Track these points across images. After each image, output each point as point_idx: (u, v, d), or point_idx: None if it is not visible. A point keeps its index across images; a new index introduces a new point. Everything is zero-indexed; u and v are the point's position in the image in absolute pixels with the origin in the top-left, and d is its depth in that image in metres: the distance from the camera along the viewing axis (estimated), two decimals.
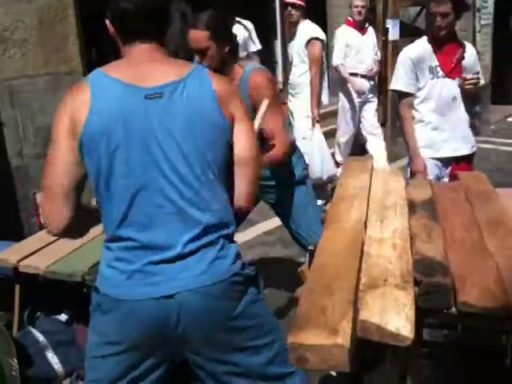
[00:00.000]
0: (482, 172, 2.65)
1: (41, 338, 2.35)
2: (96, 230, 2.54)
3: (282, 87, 5.69)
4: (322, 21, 6.25)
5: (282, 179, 2.76)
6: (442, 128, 3.05)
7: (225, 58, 2.44)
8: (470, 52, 3.13)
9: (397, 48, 6.08)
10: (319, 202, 4.88)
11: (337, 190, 2.25)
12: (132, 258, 1.47)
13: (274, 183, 2.75)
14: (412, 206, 2.04)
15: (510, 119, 8.73)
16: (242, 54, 4.52)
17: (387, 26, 5.97)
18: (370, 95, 5.64)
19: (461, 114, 3.06)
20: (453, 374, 2.43)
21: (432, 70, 3.00)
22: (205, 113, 1.48)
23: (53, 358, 2.33)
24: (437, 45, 3.03)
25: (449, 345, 2.54)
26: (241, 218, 2.35)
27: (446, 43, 3.03)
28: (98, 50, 4.51)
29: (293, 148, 2.67)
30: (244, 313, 1.55)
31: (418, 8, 7.64)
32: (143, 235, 1.46)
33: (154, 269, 1.45)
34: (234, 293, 1.52)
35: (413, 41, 5.23)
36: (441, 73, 3.00)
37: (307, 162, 4.86)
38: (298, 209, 2.79)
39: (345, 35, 5.41)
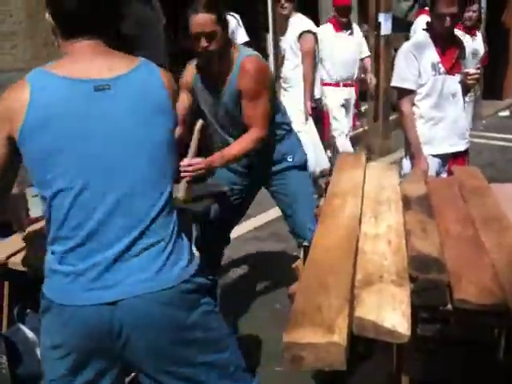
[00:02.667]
0: (473, 167, 2.65)
1: (30, 335, 2.32)
2: None
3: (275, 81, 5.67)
4: (313, 14, 6.21)
5: (267, 169, 2.72)
6: (441, 124, 3.04)
7: (228, 41, 2.44)
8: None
9: (389, 42, 6.07)
10: None
11: (330, 185, 2.24)
12: (74, 261, 1.40)
13: (274, 170, 2.73)
14: (407, 202, 2.02)
15: (501, 114, 8.76)
16: None
17: (379, 20, 5.94)
18: None
19: (459, 109, 3.08)
20: (445, 368, 2.43)
21: (434, 67, 2.98)
22: (155, 101, 1.46)
23: None
24: (439, 42, 3.01)
25: (441, 339, 2.53)
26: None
27: (447, 40, 3.03)
28: None
29: (263, 144, 2.58)
30: (195, 324, 1.45)
31: (411, 2, 7.65)
32: (85, 235, 1.39)
33: (97, 272, 1.38)
34: (184, 302, 1.43)
35: (406, 36, 5.20)
36: (442, 69, 2.99)
37: None
38: (298, 196, 2.75)
39: None
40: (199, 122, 2.45)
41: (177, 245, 1.46)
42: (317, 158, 4.84)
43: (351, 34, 5.20)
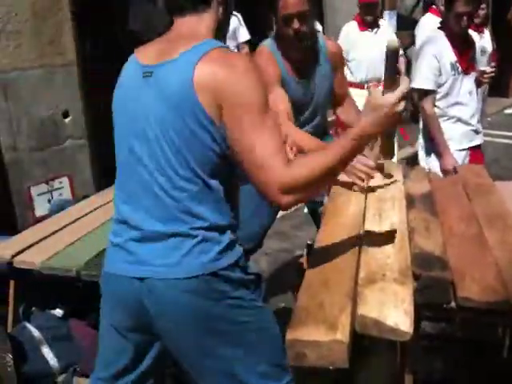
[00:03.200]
0: (478, 165, 2.65)
1: (36, 333, 2.33)
2: (90, 226, 2.52)
3: None
4: (317, 12, 6.20)
5: None
6: (460, 122, 3.11)
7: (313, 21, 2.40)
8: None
9: None
10: None
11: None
12: (118, 231, 1.47)
13: None
14: (410, 200, 2.03)
15: (506, 111, 8.72)
16: (232, 44, 4.48)
17: (384, 17, 5.93)
18: None
19: (475, 106, 3.15)
20: (450, 367, 2.43)
21: (453, 67, 3.03)
22: (175, 98, 1.35)
23: (48, 354, 2.32)
24: (455, 42, 3.04)
25: (446, 337, 2.54)
26: None
27: (463, 40, 3.07)
28: (93, 42, 4.47)
29: None
30: (220, 316, 1.40)
31: (416, 0, 7.62)
32: (126, 211, 1.45)
33: (132, 247, 1.42)
34: (210, 292, 1.39)
35: (411, 34, 5.17)
36: (460, 69, 3.04)
37: None
38: None
39: None
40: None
41: (209, 235, 1.41)
42: None
43: (377, 32, 4.90)
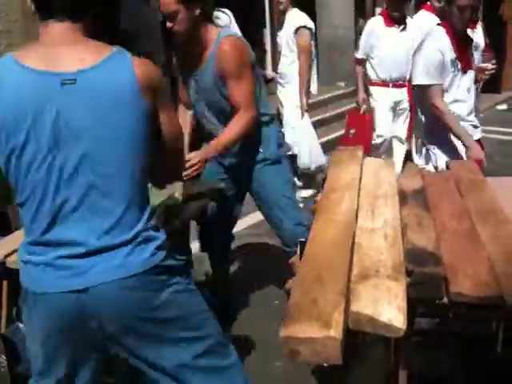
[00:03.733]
0: (470, 161, 2.66)
1: None
2: None
3: (271, 78, 5.65)
4: (309, 9, 6.20)
5: (250, 161, 2.66)
6: (459, 118, 3.08)
7: (196, 22, 2.39)
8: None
9: None
10: (308, 193, 4.88)
11: (327, 180, 2.24)
12: (38, 251, 1.44)
13: (245, 169, 2.68)
14: (403, 196, 2.03)
15: (498, 107, 8.76)
16: None
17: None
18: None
19: (472, 102, 3.13)
20: (444, 362, 2.44)
21: (453, 63, 2.98)
22: (122, 99, 1.40)
23: None
24: (455, 38, 2.99)
25: (439, 333, 2.54)
26: None
27: (462, 36, 3.02)
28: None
29: (256, 124, 2.53)
30: (166, 304, 1.49)
31: None
32: (51, 232, 1.42)
33: (66, 262, 1.42)
34: (153, 284, 1.47)
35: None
36: (459, 66, 3.00)
37: (296, 152, 4.89)
38: (275, 193, 2.69)
39: None
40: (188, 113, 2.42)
41: (147, 234, 1.48)
42: (312, 154, 4.84)
43: (404, 29, 4.63)
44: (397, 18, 4.59)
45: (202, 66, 2.47)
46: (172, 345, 1.53)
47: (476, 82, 3.19)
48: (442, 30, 3.03)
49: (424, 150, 3.25)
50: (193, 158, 2.36)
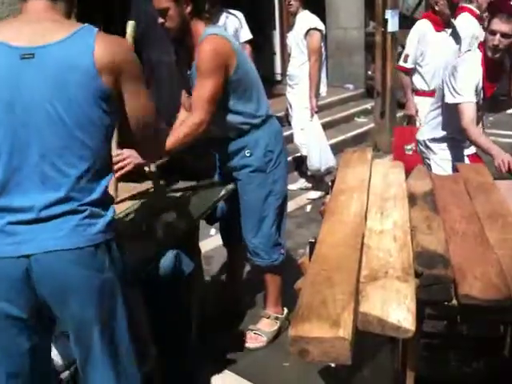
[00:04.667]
0: (479, 164, 2.65)
1: None
2: None
3: (281, 78, 5.64)
4: (320, 11, 6.20)
5: (237, 162, 2.59)
6: (464, 145, 3.01)
7: (186, 19, 2.39)
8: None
9: (396, 39, 6.06)
10: (317, 194, 4.89)
11: (336, 182, 2.25)
12: None
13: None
14: (412, 198, 2.03)
15: (508, 111, 8.71)
16: None
17: (386, 16, 5.93)
18: None
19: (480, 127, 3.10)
20: (451, 366, 2.44)
21: (477, 90, 2.80)
22: (76, 76, 1.42)
23: (52, 351, 2.33)
24: (486, 65, 2.79)
25: (448, 335, 2.54)
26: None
27: (495, 66, 2.81)
28: None
29: (203, 129, 2.41)
30: (103, 288, 1.52)
31: None
32: (2, 199, 1.46)
33: (13, 229, 1.45)
34: (96, 262, 1.49)
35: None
36: (482, 95, 2.85)
37: (304, 153, 4.89)
38: (245, 206, 2.63)
39: None
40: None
41: (96, 210, 1.50)
42: (322, 155, 4.84)
43: (453, 33, 4.31)
44: (446, 21, 4.26)
45: (192, 63, 2.47)
46: (100, 329, 1.54)
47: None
48: (477, 54, 2.84)
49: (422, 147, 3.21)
50: (124, 155, 2.28)
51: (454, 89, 2.82)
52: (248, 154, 2.56)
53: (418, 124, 4.27)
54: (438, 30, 4.27)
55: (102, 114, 1.48)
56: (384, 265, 1.56)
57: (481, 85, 2.82)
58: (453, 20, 4.34)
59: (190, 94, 2.55)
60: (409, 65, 4.38)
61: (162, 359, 2.19)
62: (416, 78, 4.38)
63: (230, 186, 2.59)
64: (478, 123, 2.96)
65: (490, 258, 1.61)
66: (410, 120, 4.47)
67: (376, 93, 6.35)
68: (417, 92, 4.38)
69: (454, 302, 1.48)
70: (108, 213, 1.54)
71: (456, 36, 4.29)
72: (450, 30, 4.30)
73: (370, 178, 2.24)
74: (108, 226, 1.52)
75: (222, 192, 2.53)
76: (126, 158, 2.27)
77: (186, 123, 2.43)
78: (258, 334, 2.77)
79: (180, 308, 2.30)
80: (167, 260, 2.14)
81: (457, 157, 3.04)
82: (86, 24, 1.49)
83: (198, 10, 2.41)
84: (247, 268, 3.24)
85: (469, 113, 2.78)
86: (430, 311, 1.62)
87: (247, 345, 2.74)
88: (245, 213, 2.65)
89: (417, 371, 1.73)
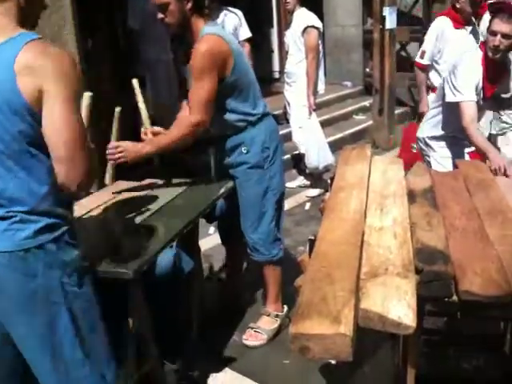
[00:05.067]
0: (478, 160, 2.65)
1: None
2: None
3: (279, 76, 5.63)
4: (317, 8, 6.19)
5: (234, 159, 2.59)
6: (467, 145, 2.95)
7: (186, 15, 2.38)
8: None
9: (393, 36, 6.06)
10: (316, 192, 4.89)
11: (335, 179, 2.25)
12: None
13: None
14: (412, 195, 2.03)
15: None
16: None
17: (384, 13, 5.92)
18: None
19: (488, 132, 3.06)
20: (451, 362, 2.44)
21: (478, 91, 2.80)
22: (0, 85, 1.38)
23: None
24: (487, 64, 2.79)
25: (447, 332, 2.55)
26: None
27: (495, 66, 2.79)
28: (95, 40, 4.48)
29: (200, 130, 2.41)
30: (35, 294, 1.49)
31: None
32: None
33: None
34: (25, 268, 1.47)
35: (410, 29, 4.92)
36: (482, 95, 2.84)
37: (302, 151, 4.89)
38: (244, 203, 2.63)
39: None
40: (116, 109, 2.36)
41: (26, 217, 1.48)
42: (320, 153, 4.84)
43: (473, 31, 4.19)
44: (467, 19, 4.11)
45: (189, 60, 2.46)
46: (31, 337, 1.52)
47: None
48: (478, 53, 2.84)
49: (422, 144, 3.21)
50: (120, 148, 2.30)
51: (455, 87, 2.82)
52: (245, 151, 2.57)
53: None
54: (457, 28, 4.17)
55: (21, 124, 1.43)
56: (384, 261, 1.56)
57: (481, 84, 2.81)
58: (473, 18, 4.21)
59: (187, 91, 2.54)
60: (425, 61, 4.32)
61: (162, 358, 2.20)
62: (433, 75, 4.32)
63: (230, 184, 2.59)
64: (478, 121, 2.94)
65: (490, 254, 1.61)
66: (421, 118, 4.26)
67: (374, 90, 6.35)
68: (433, 89, 4.27)
69: (455, 298, 1.48)
70: (45, 218, 1.50)
71: (475, 34, 4.18)
72: (470, 28, 4.19)
73: (369, 175, 2.24)
74: (41, 231, 1.49)
75: (222, 190, 2.52)
76: (123, 151, 2.30)
77: (183, 123, 2.43)
78: (259, 331, 2.77)
79: (180, 306, 2.30)
80: (167, 258, 2.14)
81: (457, 154, 3.02)
82: (22, 32, 1.44)
83: (198, 6, 2.40)
84: (247, 266, 3.24)
85: (469, 111, 2.77)
86: (430, 308, 1.63)
87: (247, 343, 2.74)
88: (244, 209, 2.65)
89: (417, 368, 1.73)
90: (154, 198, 2.40)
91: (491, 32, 2.72)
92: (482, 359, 2.39)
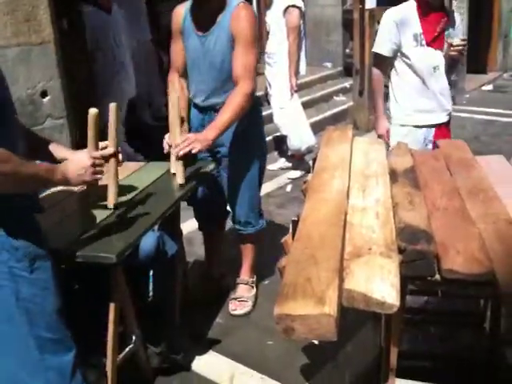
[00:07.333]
0: (459, 140, 2.66)
1: None
2: (70, 208, 2.50)
3: (259, 57, 5.57)
4: None
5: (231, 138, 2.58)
6: (424, 96, 3.01)
7: None
8: (456, 21, 3.05)
9: (373, 16, 6.03)
10: (297, 174, 4.89)
11: (318, 160, 2.24)
12: None
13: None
14: (394, 175, 2.04)
15: (484, 88, 8.79)
16: None
17: None
18: None
19: (442, 83, 3.03)
20: (433, 340, 2.48)
21: (416, 38, 2.94)
22: None
23: None
24: (423, 11, 2.95)
25: (429, 311, 2.58)
26: None
27: (432, 11, 2.96)
28: (70, 20, 4.39)
29: (253, 101, 2.48)
30: None
31: None
32: None
33: None
34: None
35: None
36: (424, 41, 2.94)
37: (284, 133, 4.88)
38: (240, 184, 2.66)
39: None
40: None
41: None
42: (301, 134, 4.83)
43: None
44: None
45: (213, 28, 2.44)
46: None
47: (452, 61, 2.99)
48: (411, 3, 3.00)
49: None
50: (188, 139, 2.28)
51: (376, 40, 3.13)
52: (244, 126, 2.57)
53: None
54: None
55: None
56: (367, 241, 1.56)
57: (419, 31, 2.95)
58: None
59: (165, 69, 2.54)
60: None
61: (146, 342, 2.19)
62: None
63: (211, 166, 2.57)
64: (432, 70, 3.00)
65: (472, 232, 1.62)
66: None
67: (354, 71, 6.34)
68: None
69: (437, 277, 1.49)
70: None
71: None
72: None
73: (351, 156, 2.24)
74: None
75: (204, 169, 2.51)
76: (191, 142, 2.25)
77: (239, 94, 2.39)
78: (243, 300, 2.84)
79: (164, 289, 2.29)
80: (150, 242, 2.12)
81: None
82: None
83: None
84: (224, 247, 3.23)
85: (378, 62, 3.12)
86: (412, 287, 1.64)
87: (236, 312, 2.80)
88: (240, 186, 2.66)
89: (400, 346, 1.75)
90: (136, 181, 2.37)
91: None
92: (463, 336, 2.43)
